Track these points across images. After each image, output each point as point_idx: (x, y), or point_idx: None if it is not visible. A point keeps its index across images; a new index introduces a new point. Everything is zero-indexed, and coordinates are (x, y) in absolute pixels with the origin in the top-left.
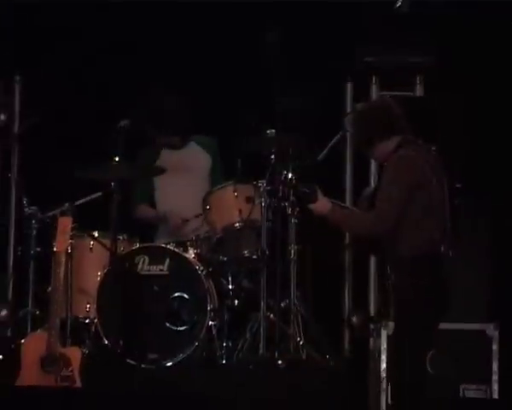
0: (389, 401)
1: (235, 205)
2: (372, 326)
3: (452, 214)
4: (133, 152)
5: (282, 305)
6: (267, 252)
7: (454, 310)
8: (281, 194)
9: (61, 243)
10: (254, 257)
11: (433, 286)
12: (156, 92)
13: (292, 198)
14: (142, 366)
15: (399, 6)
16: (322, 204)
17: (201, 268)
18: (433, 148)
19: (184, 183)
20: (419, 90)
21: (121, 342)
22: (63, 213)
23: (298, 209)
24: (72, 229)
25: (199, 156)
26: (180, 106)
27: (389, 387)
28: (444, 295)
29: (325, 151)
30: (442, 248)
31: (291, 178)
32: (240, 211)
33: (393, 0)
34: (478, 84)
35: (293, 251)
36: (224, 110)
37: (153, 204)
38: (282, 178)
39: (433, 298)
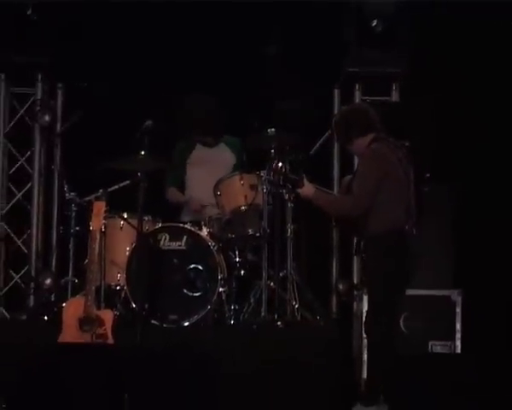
0: None
1: (241, 191)
2: (355, 292)
3: (419, 199)
4: (157, 147)
5: (281, 275)
6: (268, 231)
7: (424, 279)
8: (272, 179)
9: (96, 223)
10: (257, 235)
11: (397, 259)
12: (198, 97)
13: (288, 185)
14: (164, 325)
15: (375, 25)
16: (307, 189)
17: (213, 244)
18: (406, 144)
19: (210, 175)
20: (395, 96)
21: (146, 306)
22: (98, 198)
23: (293, 195)
24: (106, 211)
25: (226, 155)
26: (218, 110)
27: None
28: (407, 266)
29: (316, 147)
30: (406, 227)
31: (281, 167)
32: (245, 196)
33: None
34: (444, 91)
35: (289, 230)
36: (232, 112)
37: (183, 189)
38: (274, 166)
39: (397, 269)
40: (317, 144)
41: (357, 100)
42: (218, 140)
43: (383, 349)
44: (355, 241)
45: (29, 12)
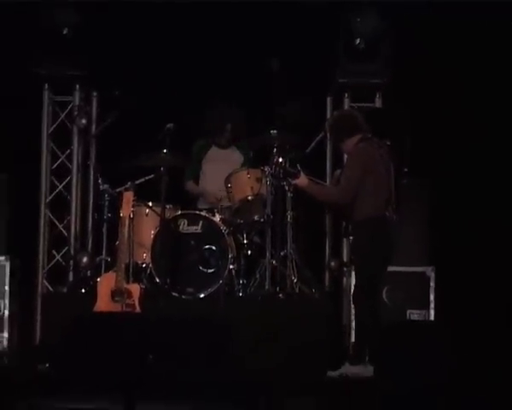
0: None
1: (248, 184)
2: (345, 269)
3: (398, 190)
4: (177, 146)
5: (282, 254)
6: (271, 217)
7: (403, 258)
8: (273, 171)
9: (126, 211)
10: (262, 220)
11: (379, 240)
12: (226, 106)
13: (286, 177)
14: (183, 297)
15: (358, 43)
16: (302, 180)
17: (225, 228)
18: (388, 143)
19: (222, 172)
20: (378, 103)
21: (168, 281)
22: (127, 189)
23: (292, 187)
24: (133, 200)
25: (236, 156)
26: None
27: None
28: (388, 247)
29: (312, 145)
30: (387, 214)
31: (281, 161)
32: (251, 188)
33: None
34: (420, 97)
35: (289, 216)
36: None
37: (197, 181)
38: (275, 160)
39: (380, 249)
40: (313, 144)
41: (346, 106)
42: (231, 143)
43: (368, 317)
44: (344, 225)
45: (65, 31)
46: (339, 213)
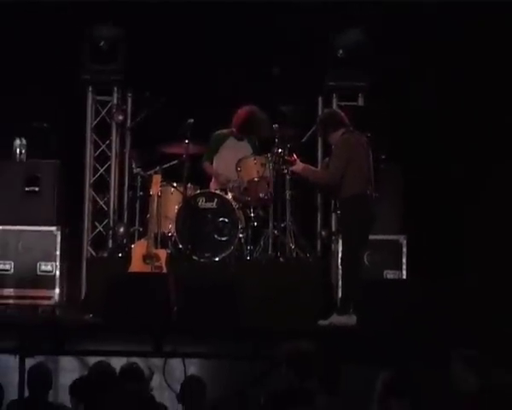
0: None
1: (254, 168)
2: (333, 238)
3: (377, 173)
4: (196, 137)
5: (282, 225)
6: (273, 195)
7: (381, 228)
8: (274, 160)
9: (155, 190)
10: (266, 198)
11: (362, 214)
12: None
13: (285, 165)
14: (201, 260)
15: (340, 54)
16: (297, 166)
17: (235, 204)
18: (368, 135)
19: (234, 158)
20: (360, 101)
21: (189, 247)
22: (156, 172)
23: (290, 171)
24: (161, 181)
25: (246, 147)
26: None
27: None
28: (369, 219)
29: (307, 137)
30: (368, 192)
31: (280, 152)
32: (257, 171)
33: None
34: (396, 97)
35: (288, 194)
36: None
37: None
38: (275, 151)
39: (362, 221)
40: (307, 135)
41: (334, 105)
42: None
43: (352, 277)
44: (332, 202)
45: (101, 44)
46: (328, 192)
